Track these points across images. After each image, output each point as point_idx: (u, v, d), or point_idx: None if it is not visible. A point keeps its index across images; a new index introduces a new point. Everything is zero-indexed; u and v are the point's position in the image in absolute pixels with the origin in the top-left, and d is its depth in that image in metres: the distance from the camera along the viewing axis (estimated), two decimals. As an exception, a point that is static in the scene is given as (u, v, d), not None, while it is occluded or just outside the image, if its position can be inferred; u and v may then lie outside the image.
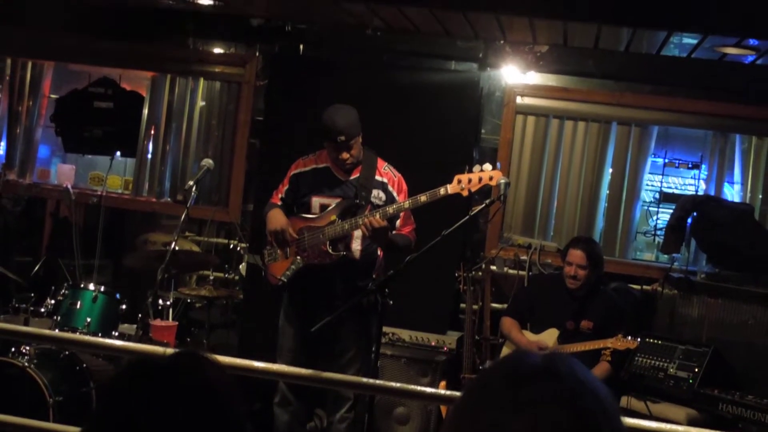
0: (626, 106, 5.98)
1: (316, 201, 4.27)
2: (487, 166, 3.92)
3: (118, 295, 5.08)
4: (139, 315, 4.76)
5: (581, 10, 4.59)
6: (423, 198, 3.97)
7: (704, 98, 5.86)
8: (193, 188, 4.48)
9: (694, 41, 4.98)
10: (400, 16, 5.33)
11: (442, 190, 3.94)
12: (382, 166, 4.33)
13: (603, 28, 4.93)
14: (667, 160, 6.07)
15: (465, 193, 3.91)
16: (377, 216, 3.98)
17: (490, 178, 3.89)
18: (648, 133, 6.04)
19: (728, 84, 5.77)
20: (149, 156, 6.73)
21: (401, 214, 4.20)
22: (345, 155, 4.16)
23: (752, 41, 4.69)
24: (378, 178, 4.27)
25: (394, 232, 4.21)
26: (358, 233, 4.21)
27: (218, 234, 6.64)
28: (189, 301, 5.96)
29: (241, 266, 6.19)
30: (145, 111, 6.72)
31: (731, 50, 5.05)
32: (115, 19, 6.48)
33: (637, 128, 6.03)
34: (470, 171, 3.92)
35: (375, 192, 4.24)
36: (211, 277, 5.50)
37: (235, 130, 6.57)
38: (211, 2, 5.58)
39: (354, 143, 4.16)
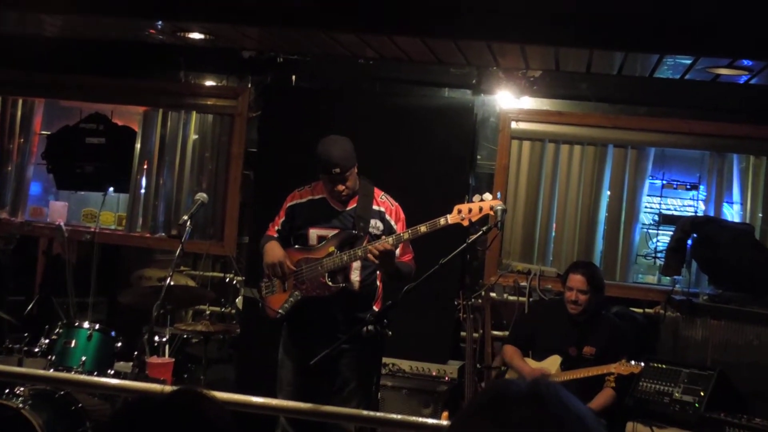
0: (622, 128, 6.03)
1: (314, 233, 4.29)
2: (487, 196, 3.95)
3: (113, 333, 5.07)
4: (135, 352, 4.74)
5: (571, 35, 4.63)
6: (423, 228, 3.99)
7: (700, 119, 5.90)
8: (188, 222, 4.49)
9: (688, 62, 5.02)
10: (391, 45, 5.37)
11: (442, 221, 3.96)
12: (379, 195, 4.35)
13: (595, 52, 4.97)
14: (665, 182, 6.10)
15: (465, 223, 3.94)
16: (390, 241, 4.00)
17: (490, 208, 3.91)
18: (645, 155, 6.08)
19: (724, 104, 5.82)
20: (142, 191, 6.76)
21: (400, 243, 4.20)
22: (341, 187, 4.18)
23: (745, 61, 4.73)
24: (375, 207, 4.29)
25: (395, 260, 4.22)
26: (356, 264, 4.23)
27: (214, 268, 6.63)
28: (185, 336, 5.93)
29: (237, 300, 6.20)
30: (138, 146, 6.75)
31: (725, 71, 5.09)
32: (105, 54, 6.52)
33: (633, 150, 6.07)
34: (470, 200, 3.94)
35: (372, 222, 4.25)
36: (208, 312, 5.51)
37: (228, 163, 6.61)
38: (202, 36, 5.62)
39: (349, 175, 4.18)
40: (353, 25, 5.04)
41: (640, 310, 5.79)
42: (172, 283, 4.70)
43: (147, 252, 6.75)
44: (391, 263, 4.10)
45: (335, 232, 4.24)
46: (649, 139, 6.04)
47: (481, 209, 3.92)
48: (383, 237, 4.10)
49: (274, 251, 4.29)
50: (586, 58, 5.23)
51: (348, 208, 4.28)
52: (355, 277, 4.27)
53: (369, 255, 4.03)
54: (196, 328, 5.37)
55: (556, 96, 6.12)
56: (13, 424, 4.45)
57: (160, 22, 5.40)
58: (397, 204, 4.38)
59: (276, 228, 4.44)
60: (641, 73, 5.51)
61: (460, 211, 3.94)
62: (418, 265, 4.27)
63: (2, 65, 6.60)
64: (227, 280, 6.36)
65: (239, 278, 6.28)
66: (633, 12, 4.50)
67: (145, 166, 6.76)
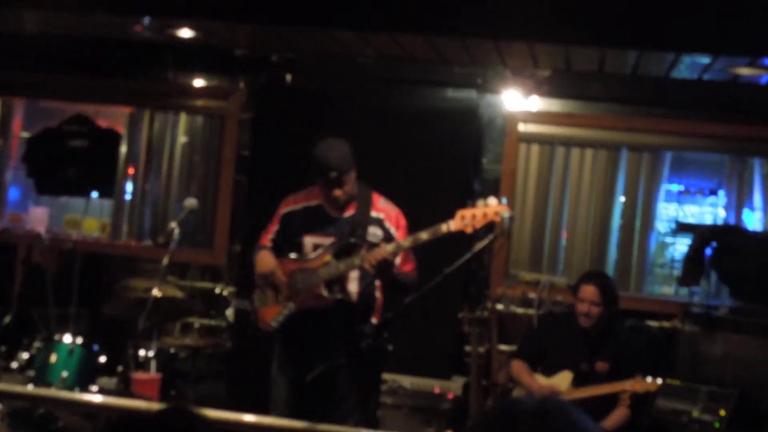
0: (636, 131, 6.05)
1: (309, 241, 4.29)
2: (492, 201, 3.94)
3: (96, 347, 5.07)
4: (120, 368, 4.75)
5: (583, 33, 4.65)
6: (424, 236, 3.98)
7: (720, 120, 5.91)
8: (176, 230, 4.51)
9: (706, 62, 5.04)
10: (392, 43, 5.39)
11: (444, 228, 3.95)
12: (378, 200, 4.35)
13: (607, 51, 4.98)
14: (682, 188, 6.11)
15: (469, 230, 3.93)
16: (389, 249, 3.99)
17: (495, 214, 3.91)
18: (660, 159, 6.09)
19: (745, 105, 5.83)
20: (128, 196, 6.76)
21: (401, 252, 4.19)
22: (338, 192, 4.18)
23: (766, 61, 4.75)
24: (374, 214, 4.29)
25: (395, 270, 4.22)
26: (354, 274, 4.23)
27: (203, 278, 6.61)
28: (173, 351, 5.93)
29: (228, 312, 6.20)
30: (123, 149, 6.76)
31: (745, 71, 5.10)
32: (89, 52, 6.54)
33: (648, 154, 6.08)
34: (474, 206, 3.94)
35: (371, 229, 4.25)
36: (197, 325, 5.52)
37: (219, 167, 6.61)
38: (192, 34, 5.63)
39: (347, 179, 4.18)
40: (353, 23, 5.07)
41: (656, 324, 5.79)
42: (159, 295, 4.71)
43: (132, 261, 6.72)
44: (390, 273, 4.10)
45: (332, 240, 4.24)
46: (666, 142, 6.05)
47: (485, 215, 3.92)
48: (381, 245, 4.10)
49: (266, 261, 4.30)
50: (598, 57, 5.25)
51: (345, 215, 4.29)
52: (353, 287, 4.27)
53: (365, 264, 4.03)
54: (184, 342, 5.37)
55: (566, 96, 6.14)
56: (-11, 445, 4.45)
57: (147, 19, 5.42)
58: (397, 210, 4.38)
59: (269, 237, 4.44)
60: (657, 72, 5.52)
61: (463, 218, 3.94)
62: (421, 276, 4.27)
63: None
64: (217, 291, 6.36)
65: (230, 289, 6.29)
66: (648, 8, 4.52)
67: (131, 171, 6.77)
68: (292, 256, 4.34)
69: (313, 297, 4.21)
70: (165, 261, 4.72)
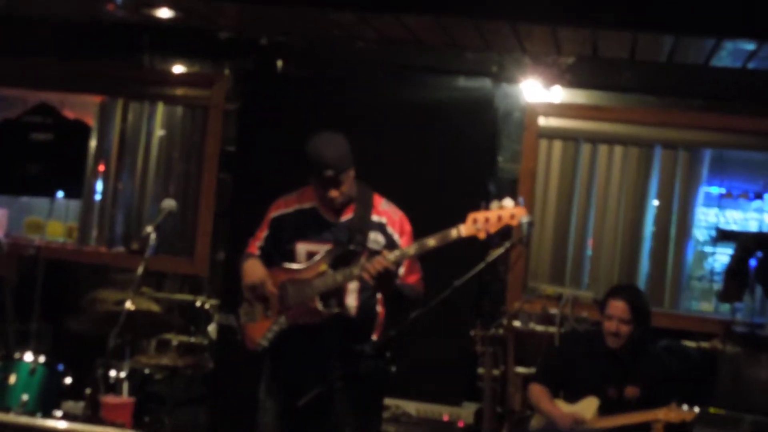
0: (672, 126, 6.09)
1: (302, 248, 4.28)
2: (508, 202, 3.94)
3: (60, 367, 5.08)
4: (87, 390, 4.76)
5: (613, 16, 4.67)
6: (431, 242, 3.97)
7: (766, 115, 5.93)
8: (152, 235, 4.53)
9: (750, 48, 5.06)
10: (397, 25, 5.41)
11: (454, 233, 3.95)
12: (380, 203, 4.35)
13: (640, 36, 5.00)
14: (723, 190, 6.14)
15: (482, 236, 3.93)
16: (391, 257, 3.99)
17: (512, 217, 3.91)
18: (699, 158, 6.12)
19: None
20: (97, 197, 6.81)
21: (405, 260, 4.20)
22: (334, 193, 4.18)
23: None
24: (375, 218, 4.29)
25: (398, 281, 4.23)
26: (353, 286, 4.22)
27: (182, 290, 6.66)
28: (147, 371, 5.95)
29: (210, 328, 6.23)
30: (93, 143, 6.80)
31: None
32: (55, 34, 6.57)
33: (685, 152, 6.11)
34: (487, 208, 3.95)
35: (372, 235, 4.24)
36: (175, 343, 5.54)
37: (201, 164, 6.66)
38: (171, 13, 5.66)
39: (344, 178, 4.18)
40: (352, 2, 5.09)
41: (694, 344, 5.82)
42: (132, 308, 4.72)
43: (102, 270, 6.76)
44: (393, 285, 4.11)
45: (328, 247, 4.23)
46: (705, 139, 6.09)
47: (500, 218, 3.92)
48: (383, 252, 4.11)
49: (254, 270, 4.29)
50: (629, 42, 5.27)
51: (343, 219, 4.28)
52: (352, 301, 4.25)
53: (365, 275, 4.04)
54: (160, 362, 5.39)
55: (593, 87, 6.17)
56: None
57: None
58: (401, 213, 4.37)
59: (258, 244, 4.44)
60: (695, 60, 5.55)
61: (475, 221, 3.94)
62: (427, 288, 4.28)
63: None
64: (198, 304, 6.40)
65: (213, 302, 6.32)
66: None
67: (101, 168, 6.82)
68: (284, 265, 4.33)
69: (306, 311, 4.21)
70: (139, 270, 4.73)
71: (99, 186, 6.81)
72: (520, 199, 4.03)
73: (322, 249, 4.23)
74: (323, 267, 4.18)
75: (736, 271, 5.50)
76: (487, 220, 3.92)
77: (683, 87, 6.05)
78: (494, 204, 3.95)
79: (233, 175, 6.51)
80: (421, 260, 4.30)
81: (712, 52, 5.26)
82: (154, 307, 6.31)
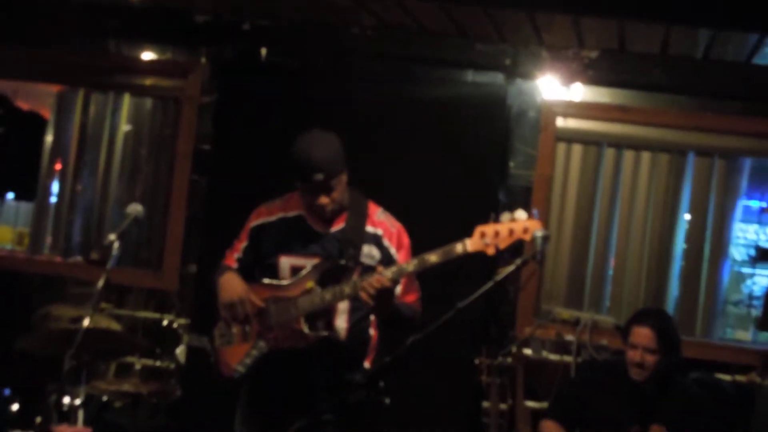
0: (707, 130, 6.11)
1: (286, 262, 4.29)
2: (521, 214, 3.95)
3: (7, 391, 5.09)
4: (38, 419, 4.75)
5: (642, 5, 4.69)
6: (433, 258, 3.98)
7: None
8: (115, 244, 4.52)
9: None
10: (396, 9, 5.43)
11: (459, 248, 3.96)
12: (375, 213, 4.36)
13: (673, 28, 5.02)
14: (764, 204, 6.15)
15: (491, 251, 3.94)
16: (379, 275, 4.00)
17: (525, 231, 3.92)
18: (737, 168, 6.15)
19: None
20: (53, 199, 6.81)
21: (402, 278, 4.18)
22: (324, 200, 4.18)
23: None
24: (369, 229, 4.30)
25: (396, 301, 4.23)
26: (343, 306, 4.23)
27: (147, 306, 6.65)
28: (106, 399, 5.94)
29: (178, 351, 6.25)
30: (49, 138, 6.81)
31: None
32: (6, 15, 6.56)
33: (722, 161, 6.14)
34: (497, 221, 3.96)
35: (366, 248, 4.26)
36: (137, 366, 5.54)
37: (172, 164, 6.67)
38: None
39: (336, 183, 4.18)
40: None
41: (729, 377, 5.82)
42: (90, 326, 4.72)
43: (57, 282, 6.76)
44: (390, 306, 4.11)
45: (315, 261, 4.24)
46: (744, 146, 6.11)
47: (512, 232, 3.92)
48: (379, 268, 4.10)
49: (232, 286, 4.29)
50: (661, 35, 5.29)
51: (333, 230, 4.29)
52: (341, 322, 4.26)
53: (362, 293, 4.05)
54: (121, 388, 5.40)
55: (618, 84, 6.19)
56: None
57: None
58: (399, 225, 4.39)
59: (236, 256, 4.45)
60: (734, 57, 5.57)
61: (483, 235, 3.95)
62: (427, 309, 4.28)
63: None
64: (165, 323, 6.39)
65: (182, 321, 6.33)
66: None
67: (58, 166, 6.82)
68: (265, 281, 4.33)
69: (290, 334, 4.21)
70: (99, 283, 4.72)
71: (55, 187, 6.82)
72: (535, 211, 4.03)
73: (308, 263, 4.23)
74: (310, 284, 4.19)
75: (776, 295, 5.52)
76: (496, 234, 3.93)
77: (721, 87, 6.06)
78: (505, 216, 3.95)
79: (208, 177, 6.52)
80: (419, 277, 4.31)
81: (755, 49, 5.29)
82: (115, 326, 6.32)
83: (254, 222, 4.43)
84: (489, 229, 3.94)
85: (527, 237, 3.92)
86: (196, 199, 6.58)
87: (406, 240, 4.36)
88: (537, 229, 3.91)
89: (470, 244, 3.94)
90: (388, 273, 4.03)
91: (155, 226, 6.68)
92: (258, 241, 4.39)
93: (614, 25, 5.20)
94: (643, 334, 4.93)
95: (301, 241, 4.29)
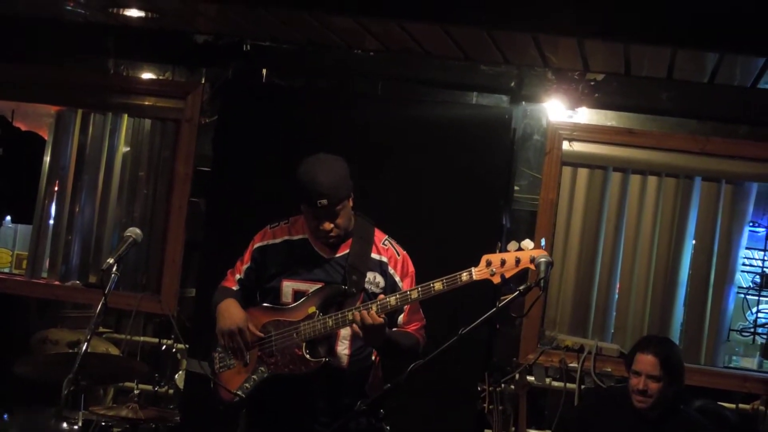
0: (714, 155, 6.16)
1: (288, 286, 4.32)
2: (527, 244, 3.98)
3: (5, 416, 5.13)
4: (36, 444, 4.79)
5: (648, 29, 4.72)
6: (438, 286, 4.02)
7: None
8: (114, 268, 4.54)
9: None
10: (400, 33, 5.46)
11: (465, 276, 4.01)
12: (381, 239, 4.41)
13: (679, 52, 5.06)
14: (770, 230, 6.21)
15: (496, 280, 3.98)
16: (373, 309, 4.06)
17: (532, 261, 3.96)
18: (744, 193, 6.20)
19: None
20: (51, 222, 6.87)
21: (405, 306, 4.24)
22: (328, 225, 4.22)
23: None
24: (374, 256, 4.34)
25: (395, 329, 4.27)
26: (345, 332, 4.26)
27: (146, 331, 6.72)
28: (104, 424, 5.96)
29: (177, 376, 6.26)
30: (47, 159, 6.87)
31: None
32: (4, 33, 6.61)
33: (729, 186, 6.20)
34: (504, 250, 4.01)
35: (370, 275, 4.30)
36: (136, 391, 5.56)
37: (171, 186, 6.73)
38: (142, 14, 5.71)
39: (341, 209, 4.22)
40: (348, 5, 5.14)
41: (732, 406, 5.87)
42: (88, 350, 4.76)
43: (55, 306, 6.83)
44: (378, 339, 4.14)
45: (318, 286, 4.28)
46: (751, 171, 6.17)
47: (518, 261, 3.96)
48: (380, 297, 4.14)
49: (231, 312, 4.34)
50: (667, 59, 5.33)
51: (338, 255, 4.32)
52: (343, 349, 4.30)
53: (353, 325, 4.08)
54: (119, 414, 5.42)
55: (625, 108, 6.26)
56: None
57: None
58: (404, 253, 4.43)
59: (237, 276, 4.49)
60: (741, 81, 5.60)
61: (489, 264, 3.99)
62: (429, 335, 4.34)
63: None
64: (164, 348, 6.43)
65: (181, 346, 6.35)
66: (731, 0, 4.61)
67: (56, 188, 6.88)
68: (266, 305, 4.38)
69: (291, 359, 4.25)
70: (98, 307, 4.76)
71: (53, 209, 6.88)
72: (542, 241, 4.07)
73: (311, 288, 4.27)
74: (312, 309, 4.22)
75: (783, 323, 5.55)
76: (502, 262, 3.97)
77: (728, 111, 6.13)
78: (512, 245, 3.98)
79: (207, 199, 6.56)
80: (425, 306, 4.35)
81: (761, 73, 5.31)
82: (114, 350, 6.36)
83: (258, 243, 4.46)
84: (495, 258, 3.98)
85: (532, 266, 3.95)
86: (194, 222, 6.62)
87: (411, 268, 4.39)
88: (542, 256, 3.92)
89: (476, 273, 3.99)
90: (392, 300, 4.07)
91: (154, 249, 6.72)
92: (261, 263, 4.42)
93: (620, 48, 5.23)
94: (647, 362, 4.94)
95: (304, 266, 4.32)
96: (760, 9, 4.61)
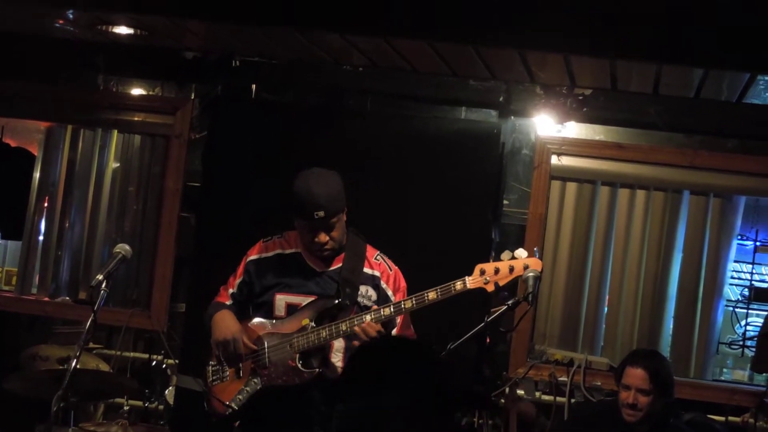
0: (702, 168, 6.23)
1: (281, 300, 4.42)
2: (521, 253, 4.09)
3: (-5, 434, 5.17)
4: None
5: (633, 44, 4.78)
6: (432, 295, 4.11)
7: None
8: (103, 284, 4.58)
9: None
10: (388, 50, 5.52)
11: (458, 285, 4.10)
12: (373, 255, 4.50)
13: (664, 68, 5.13)
14: (758, 243, 6.29)
15: (490, 288, 4.08)
16: (368, 318, 4.12)
17: (525, 268, 4.05)
18: (733, 206, 6.28)
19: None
20: (41, 238, 6.92)
21: (398, 319, 4.33)
22: (323, 238, 4.30)
23: None
24: (367, 270, 4.43)
25: None
26: (339, 344, 4.35)
27: (136, 346, 6.77)
28: (95, 440, 6.03)
29: (168, 391, 6.29)
30: (37, 175, 6.93)
31: None
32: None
33: (717, 199, 6.27)
34: (497, 259, 4.09)
35: (363, 289, 4.39)
36: (126, 407, 5.61)
37: (161, 202, 6.78)
38: (131, 31, 5.77)
39: (336, 222, 4.31)
40: (336, 22, 5.18)
41: (722, 419, 5.93)
42: (78, 367, 4.80)
43: (45, 322, 6.86)
44: None
45: (311, 299, 4.36)
46: (739, 185, 6.24)
47: (512, 269, 4.07)
48: (374, 308, 4.22)
49: (225, 323, 4.41)
50: (652, 75, 5.41)
51: (330, 269, 4.42)
52: (337, 360, 4.38)
53: (355, 342, 4.15)
54: (109, 430, 5.46)
55: (613, 122, 6.34)
56: None
57: (71, 12, 5.57)
58: (396, 268, 4.53)
59: (230, 291, 4.56)
60: (727, 97, 5.67)
61: (483, 272, 4.09)
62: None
63: None
64: (155, 363, 6.48)
65: (171, 361, 6.39)
66: (715, 16, 4.69)
67: (46, 204, 6.94)
68: (259, 318, 4.46)
69: (284, 371, 4.33)
70: (87, 323, 4.80)
71: (42, 225, 6.94)
72: (536, 250, 4.15)
73: (305, 301, 4.36)
74: (306, 321, 4.30)
75: (772, 336, 5.62)
76: (496, 271, 4.07)
77: (715, 125, 6.20)
78: (505, 254, 4.08)
79: (197, 215, 6.62)
80: (413, 317, 4.43)
81: (746, 88, 5.39)
82: (104, 366, 6.38)
83: (251, 257, 4.54)
84: (489, 266, 4.08)
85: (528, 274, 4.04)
86: (185, 237, 6.68)
87: (403, 283, 4.48)
88: (531, 270, 4.02)
89: (470, 282, 4.09)
90: (387, 311, 4.15)
91: (143, 265, 6.77)
92: (254, 277, 4.49)
93: (606, 64, 5.31)
94: (636, 375, 4.96)
95: (297, 279, 4.41)
96: (744, 25, 4.68)
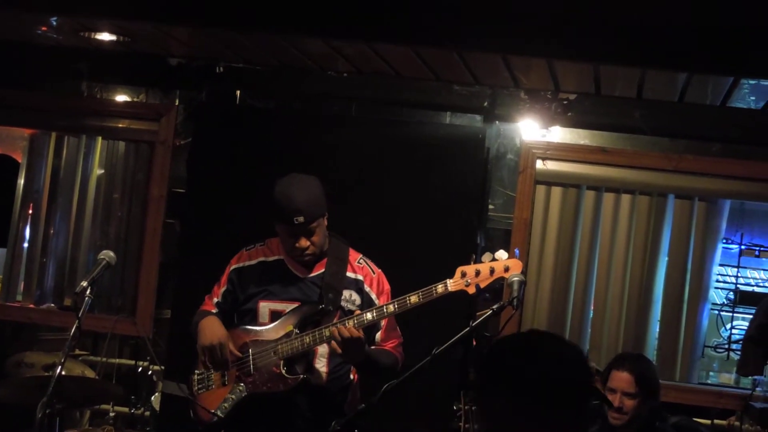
0: (687, 172, 6.26)
1: (265, 307, 4.42)
2: (501, 254, 4.10)
3: (-19, 441, 5.16)
4: (12, 468, 4.83)
5: (616, 48, 4.80)
6: (413, 299, 4.12)
7: (793, 162, 6.10)
8: (88, 290, 4.58)
9: (773, 88, 5.25)
10: (371, 56, 5.54)
11: (440, 288, 4.11)
12: (356, 258, 4.51)
13: (648, 72, 5.15)
14: (743, 247, 6.33)
15: (471, 290, 4.09)
16: (350, 324, 4.14)
17: (506, 270, 4.07)
18: (717, 210, 6.30)
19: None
20: (25, 245, 6.92)
21: (383, 322, 4.35)
22: (304, 243, 4.31)
23: None
24: (350, 274, 4.44)
25: (373, 347, 4.37)
26: (323, 349, 4.36)
27: (121, 353, 6.76)
28: (80, 448, 6.03)
29: (153, 398, 6.28)
30: (21, 182, 6.94)
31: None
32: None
33: (701, 203, 6.29)
34: (478, 261, 4.11)
35: (346, 293, 4.40)
36: (112, 414, 5.61)
37: (145, 208, 6.79)
38: (114, 38, 5.78)
39: (317, 227, 4.32)
40: (320, 28, 5.18)
41: (708, 422, 5.96)
42: (63, 373, 4.80)
43: (30, 329, 6.86)
44: (357, 354, 4.22)
45: (295, 305, 4.37)
46: (724, 188, 6.26)
47: (492, 271, 4.08)
48: (356, 313, 4.22)
49: (212, 329, 4.41)
50: (636, 79, 5.43)
51: (313, 274, 4.42)
52: (321, 366, 4.40)
53: (333, 342, 4.17)
54: (95, 437, 5.47)
55: (598, 126, 6.36)
56: None
57: (54, 19, 5.57)
58: (379, 271, 4.54)
59: (215, 300, 4.57)
60: (711, 101, 5.69)
61: (464, 275, 4.10)
62: (406, 355, 4.44)
63: None
64: (140, 370, 6.47)
65: (157, 368, 6.41)
66: (698, 20, 4.71)
67: (31, 211, 6.94)
68: (244, 326, 4.47)
69: (269, 378, 4.34)
70: (72, 330, 4.80)
71: (27, 232, 6.94)
72: (516, 251, 4.17)
73: (288, 308, 4.37)
74: (290, 328, 4.31)
75: (756, 338, 5.62)
76: (477, 273, 4.09)
77: (700, 129, 6.22)
78: (486, 256, 4.08)
79: (182, 221, 6.63)
80: (401, 322, 4.44)
81: (730, 92, 5.42)
82: (89, 373, 6.39)
83: (234, 265, 4.55)
84: (470, 269, 4.10)
85: (508, 275, 4.06)
86: (169, 243, 6.70)
87: (386, 286, 4.50)
88: (515, 273, 4.04)
89: (451, 284, 4.11)
90: (369, 315, 4.16)
91: (128, 271, 6.78)
92: (237, 285, 4.50)
93: (589, 69, 5.33)
94: (622, 378, 4.98)
95: (280, 286, 4.42)
96: (727, 29, 4.70)
